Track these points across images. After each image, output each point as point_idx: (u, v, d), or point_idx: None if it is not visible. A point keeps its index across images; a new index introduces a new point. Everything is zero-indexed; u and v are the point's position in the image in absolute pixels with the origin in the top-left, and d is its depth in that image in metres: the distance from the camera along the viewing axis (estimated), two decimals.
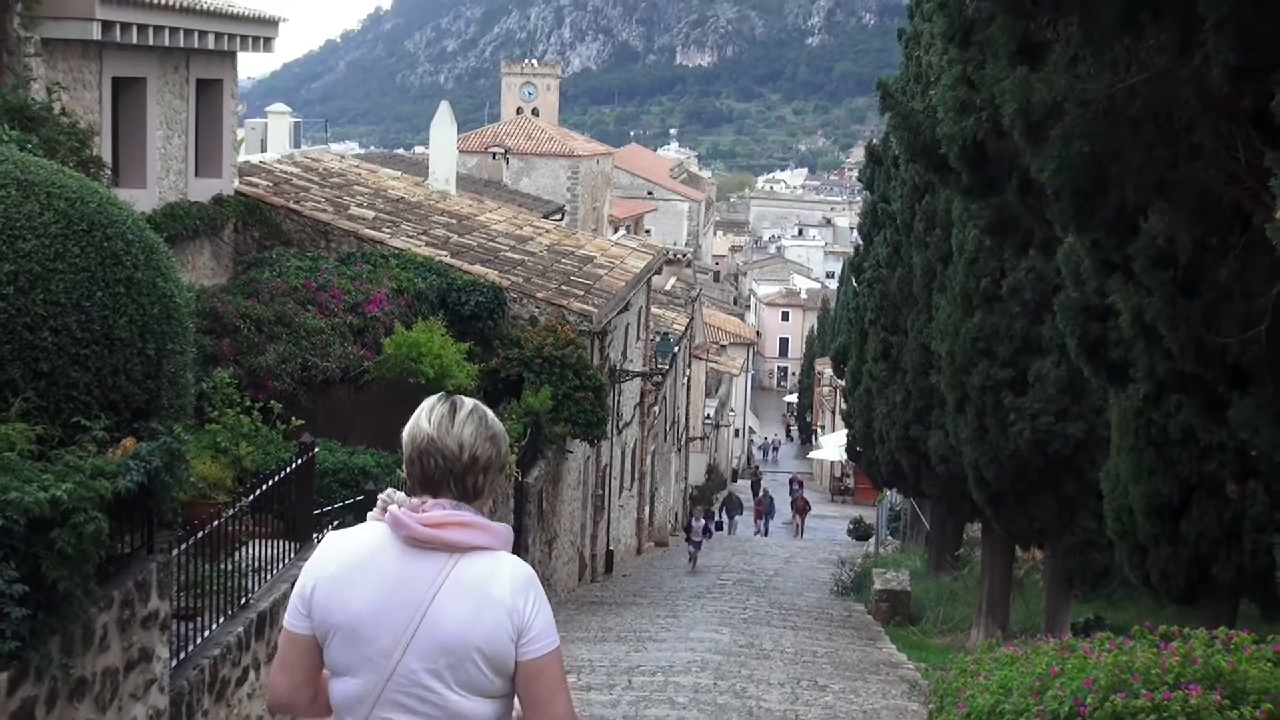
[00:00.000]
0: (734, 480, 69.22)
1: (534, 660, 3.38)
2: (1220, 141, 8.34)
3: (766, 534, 49.40)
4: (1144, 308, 9.13)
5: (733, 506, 50.36)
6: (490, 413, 3.60)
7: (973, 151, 9.97)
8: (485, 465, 3.51)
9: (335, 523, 12.28)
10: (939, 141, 10.47)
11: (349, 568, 3.45)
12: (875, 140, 28.14)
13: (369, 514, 3.55)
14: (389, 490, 3.56)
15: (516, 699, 3.45)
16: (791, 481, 56.84)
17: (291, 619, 3.49)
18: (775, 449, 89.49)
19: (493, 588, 3.38)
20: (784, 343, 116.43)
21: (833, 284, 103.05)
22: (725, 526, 47.74)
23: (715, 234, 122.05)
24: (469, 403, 3.59)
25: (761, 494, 53.80)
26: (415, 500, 3.47)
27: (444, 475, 3.47)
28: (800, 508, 50.88)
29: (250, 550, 10.22)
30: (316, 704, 3.53)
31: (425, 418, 3.55)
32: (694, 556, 32.70)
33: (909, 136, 11.61)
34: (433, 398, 3.63)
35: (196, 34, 17.18)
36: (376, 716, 3.40)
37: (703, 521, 35.14)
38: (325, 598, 3.43)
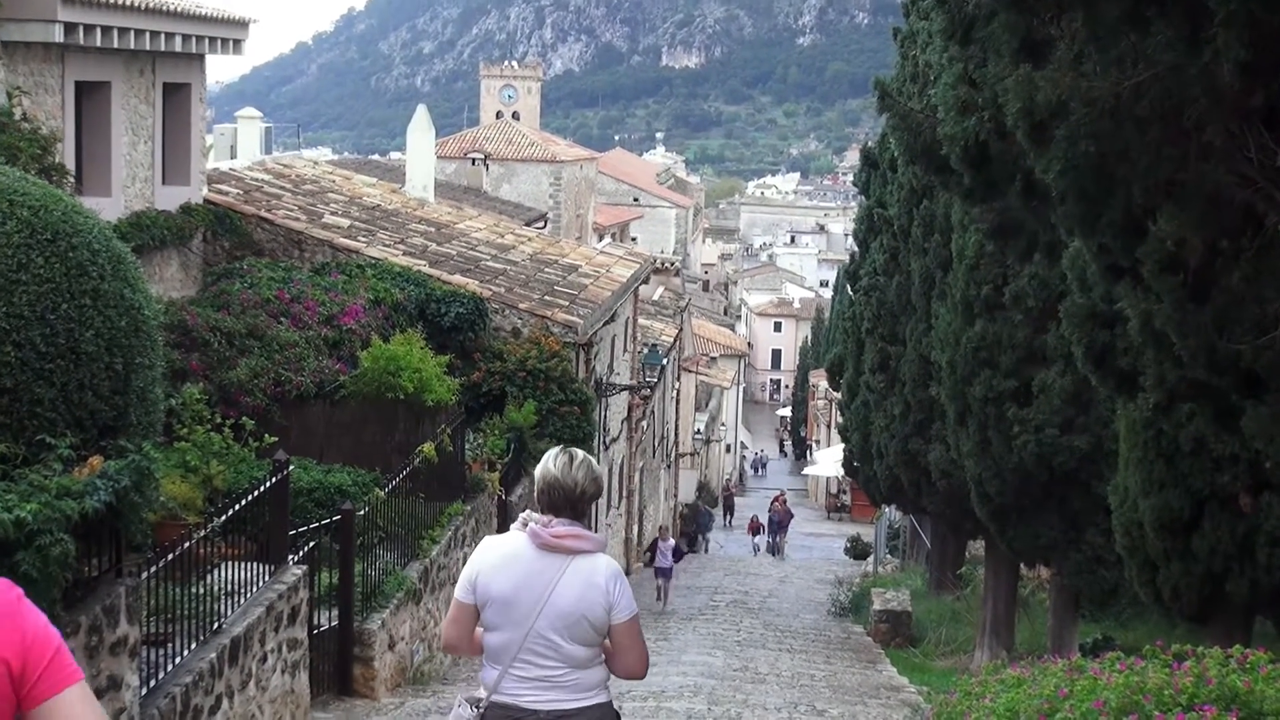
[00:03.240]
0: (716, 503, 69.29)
1: (620, 624, 5.40)
2: (1231, 141, 8.36)
3: (776, 553, 48.63)
4: (1153, 314, 9.15)
5: (702, 522, 50.00)
6: (593, 460, 5.56)
7: (974, 153, 9.99)
8: (591, 496, 5.51)
9: (311, 543, 12.27)
10: (939, 142, 10.49)
11: (501, 561, 5.41)
12: (870, 143, 28.23)
13: (512, 526, 5.53)
14: (527, 511, 5.51)
15: (607, 642, 5.46)
16: (774, 501, 54.78)
17: (461, 593, 5.45)
18: (764, 465, 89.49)
19: (594, 577, 5.36)
20: (776, 354, 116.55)
21: (827, 293, 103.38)
22: (698, 545, 47.40)
23: (704, 241, 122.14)
24: (580, 453, 5.53)
25: (772, 511, 52.34)
26: (544, 518, 5.42)
27: (564, 503, 5.43)
28: (781, 521, 49.63)
29: (223, 573, 10.19)
30: (472, 647, 5.56)
31: (551, 463, 5.48)
32: (663, 590, 28.56)
33: (908, 137, 11.63)
34: (555, 449, 5.56)
35: (163, 36, 17.17)
36: (519, 659, 5.35)
37: (672, 541, 30.24)
38: (486, 580, 5.39)
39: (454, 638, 5.57)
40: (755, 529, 50.50)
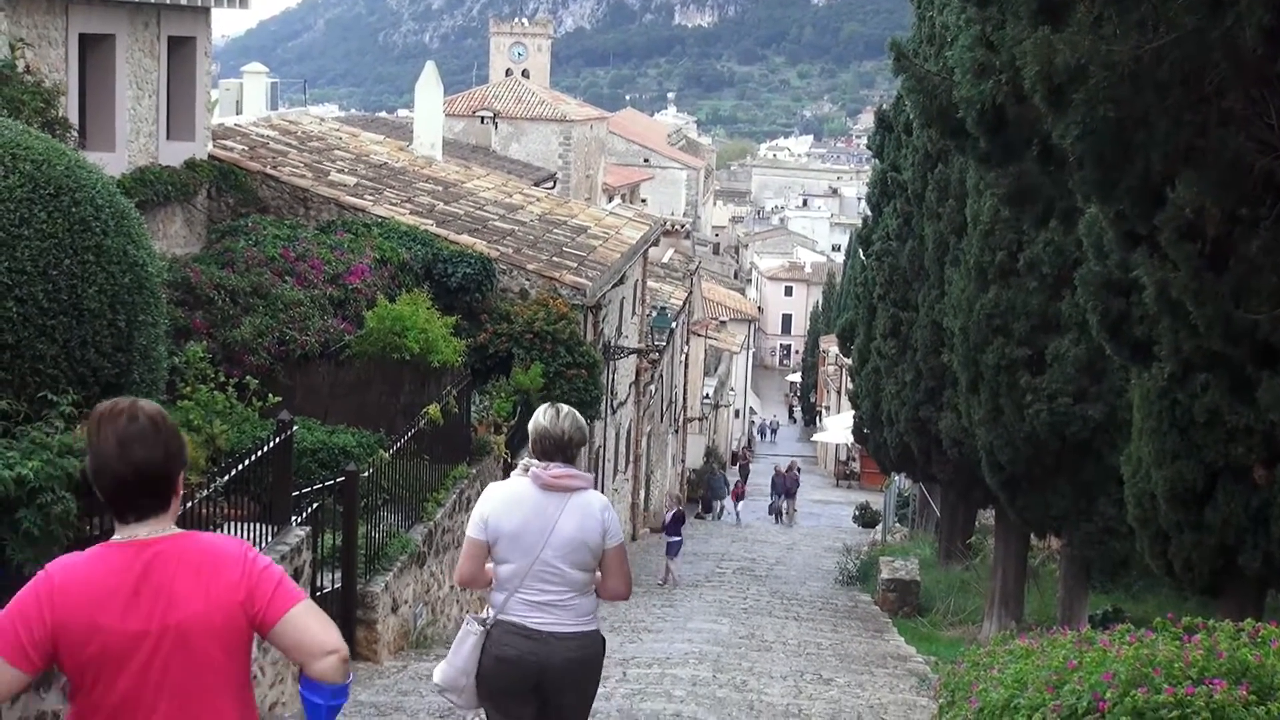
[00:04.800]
0: (733, 464, 69.21)
1: (611, 549, 6.38)
2: (1252, 107, 8.33)
3: (778, 518, 48.52)
4: (1169, 282, 9.13)
5: (715, 487, 49.83)
6: (576, 413, 6.48)
7: (991, 116, 9.95)
8: (578, 444, 6.42)
9: (315, 505, 12.29)
10: (956, 106, 10.45)
11: (508, 501, 6.31)
12: (885, 105, 28.11)
13: (513, 472, 6.45)
14: (526, 458, 6.42)
15: (598, 571, 6.43)
16: (782, 470, 53.56)
17: (474, 531, 6.32)
18: (774, 430, 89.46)
19: (590, 509, 6.32)
20: (787, 319, 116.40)
21: (839, 257, 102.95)
22: (714, 509, 47.05)
23: (715, 204, 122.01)
24: (565, 407, 6.46)
25: (777, 475, 51.42)
26: (541, 463, 6.31)
27: (555, 449, 6.33)
28: (789, 488, 48.94)
29: (225, 533, 10.22)
30: (483, 579, 6.40)
31: (542, 416, 6.40)
32: (668, 568, 26.91)
33: (924, 100, 11.58)
34: (544, 405, 6.52)
35: None
36: (525, 584, 6.24)
37: (674, 509, 28.57)
38: (496, 519, 6.26)
39: (468, 571, 6.42)
40: (739, 496, 49.34)
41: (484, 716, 6.66)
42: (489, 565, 6.37)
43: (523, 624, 6.26)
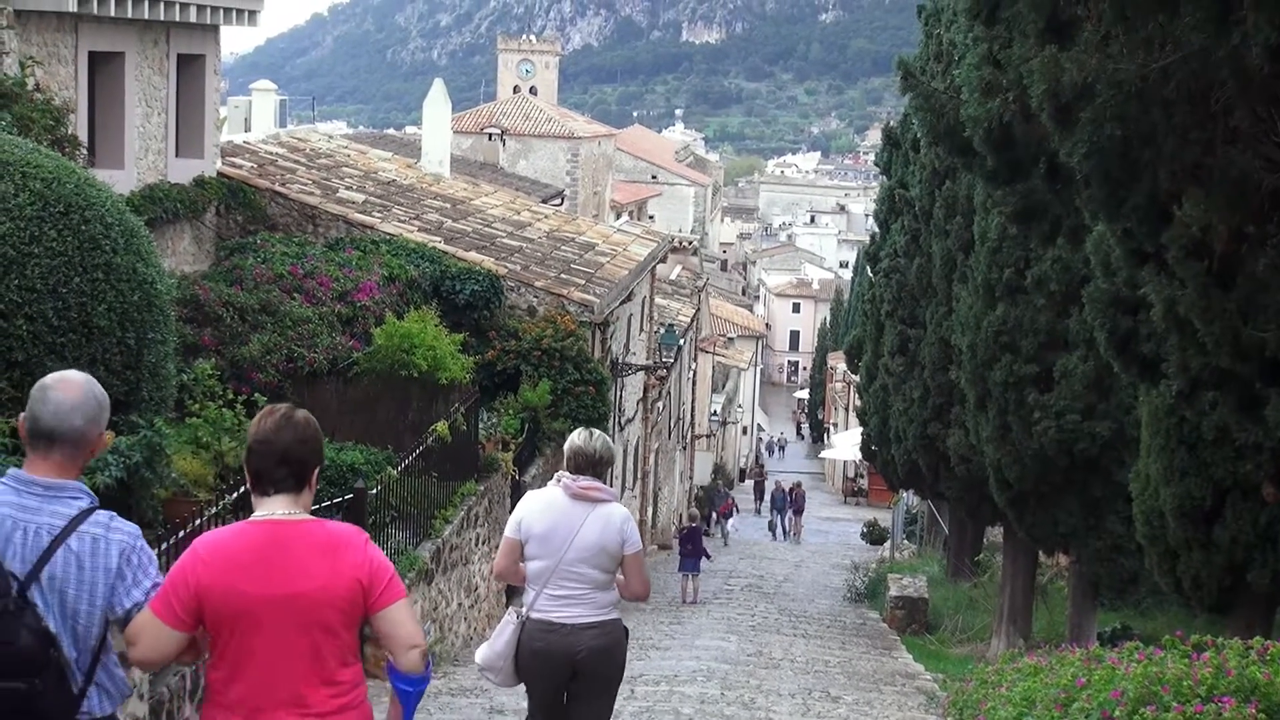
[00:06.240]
0: (741, 480, 69.08)
1: (630, 555, 7.25)
2: (1258, 125, 8.35)
3: (778, 535, 48.38)
4: (1177, 300, 9.14)
5: (719, 505, 49.59)
6: (607, 436, 7.44)
7: (999, 134, 9.97)
8: (607, 461, 7.35)
9: None
10: (963, 124, 10.47)
11: (541, 507, 7.24)
12: (893, 122, 28.13)
13: (549, 483, 7.35)
14: (560, 472, 7.30)
15: (620, 577, 7.31)
16: (785, 487, 52.84)
17: (510, 531, 7.26)
18: (782, 447, 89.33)
19: (611, 519, 7.19)
20: (795, 335, 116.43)
21: (846, 274, 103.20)
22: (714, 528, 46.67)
23: (723, 220, 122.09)
24: (597, 431, 7.47)
25: (777, 490, 51.17)
26: (572, 476, 7.22)
27: (587, 465, 7.25)
28: (797, 505, 48.66)
29: None
30: (517, 575, 7.31)
31: (576, 437, 7.37)
32: (686, 584, 25.98)
33: (931, 118, 11.61)
34: (579, 428, 7.51)
35: (178, 6, 17.17)
36: (553, 581, 7.14)
37: (690, 525, 27.74)
38: (529, 522, 7.19)
39: (504, 567, 7.39)
40: (726, 513, 48.41)
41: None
42: (521, 563, 7.28)
43: (549, 619, 7.18)
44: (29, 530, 4.50)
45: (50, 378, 4.67)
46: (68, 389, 4.60)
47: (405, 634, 4.73)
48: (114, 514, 4.68)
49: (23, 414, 4.63)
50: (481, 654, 7.41)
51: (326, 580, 4.58)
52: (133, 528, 4.68)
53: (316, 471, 4.80)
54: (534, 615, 7.25)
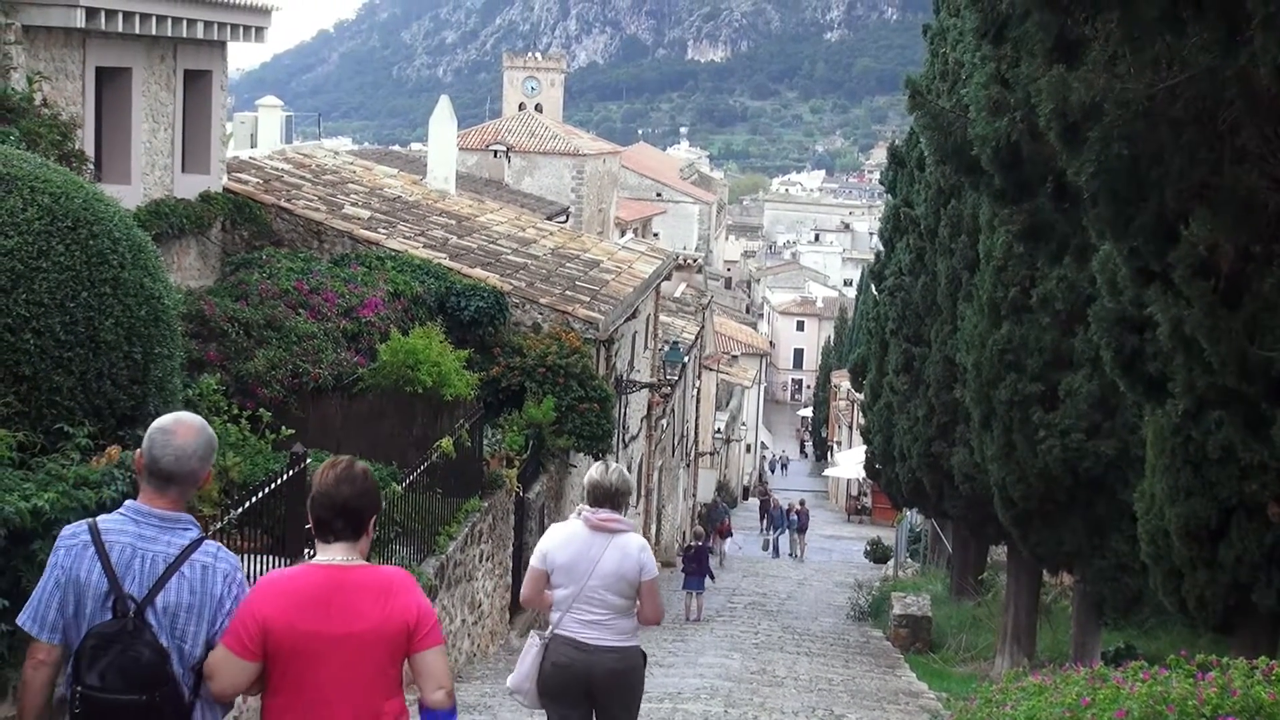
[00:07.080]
0: (745, 498, 69.02)
1: (646, 582, 7.71)
2: (1265, 145, 8.35)
3: (776, 553, 48.40)
4: (1183, 319, 9.14)
5: (716, 524, 49.27)
6: (624, 469, 7.90)
7: (1006, 153, 9.99)
8: (624, 494, 7.80)
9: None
10: (970, 143, 10.49)
11: (564, 539, 7.72)
12: (897, 141, 28.18)
13: (570, 516, 7.86)
14: (581, 505, 7.82)
15: (638, 603, 7.76)
16: (784, 505, 52.75)
17: (536, 562, 7.76)
18: (785, 465, 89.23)
19: (629, 549, 7.67)
20: (799, 354, 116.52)
21: (851, 292, 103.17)
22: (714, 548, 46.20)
23: (727, 238, 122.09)
24: (614, 463, 7.97)
25: (774, 508, 51.38)
26: (592, 509, 7.72)
27: (604, 498, 7.72)
28: (802, 523, 48.87)
29: None
30: (543, 602, 7.79)
31: (594, 472, 7.82)
32: (690, 602, 26.24)
33: (939, 137, 11.62)
34: (597, 463, 7.94)
35: (185, 22, 17.21)
36: (576, 607, 7.61)
37: (696, 544, 28.06)
38: (554, 553, 7.70)
39: (530, 594, 7.90)
40: (724, 533, 48.05)
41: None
42: (547, 591, 7.79)
43: (574, 638, 7.68)
44: (146, 557, 4.95)
45: (168, 420, 5.12)
46: (186, 434, 5.05)
47: (439, 675, 5.17)
48: (220, 545, 5.17)
49: (139, 450, 5.06)
50: (511, 678, 7.91)
51: (379, 622, 5.05)
52: (234, 558, 5.17)
53: (374, 519, 5.29)
54: (559, 633, 7.72)
